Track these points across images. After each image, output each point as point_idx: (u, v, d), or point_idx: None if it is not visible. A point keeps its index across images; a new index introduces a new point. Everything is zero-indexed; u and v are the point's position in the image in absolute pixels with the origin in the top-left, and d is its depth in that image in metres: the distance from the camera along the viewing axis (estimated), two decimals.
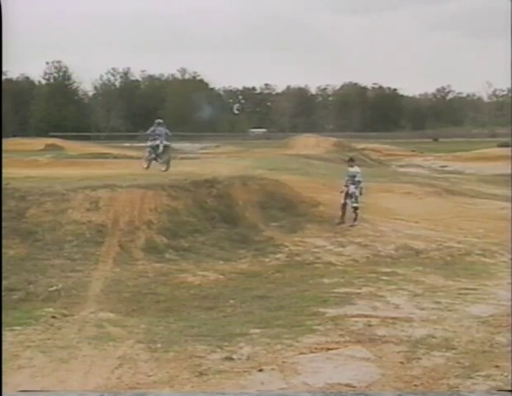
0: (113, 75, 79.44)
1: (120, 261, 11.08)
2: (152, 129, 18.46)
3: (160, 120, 18.85)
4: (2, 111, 4.28)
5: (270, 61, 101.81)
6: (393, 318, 8.05)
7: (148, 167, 18.17)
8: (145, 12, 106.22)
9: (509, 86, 63.87)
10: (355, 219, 13.91)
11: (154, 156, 18.08)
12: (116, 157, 30.55)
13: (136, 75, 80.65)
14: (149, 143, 18.17)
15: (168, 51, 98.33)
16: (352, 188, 14.01)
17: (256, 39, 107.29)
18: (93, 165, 21.73)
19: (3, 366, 4.00)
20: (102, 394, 4.96)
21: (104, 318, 8.37)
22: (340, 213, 13.95)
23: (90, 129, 65.85)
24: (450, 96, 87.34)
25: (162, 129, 18.26)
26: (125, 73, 79.81)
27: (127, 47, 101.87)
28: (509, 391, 4.90)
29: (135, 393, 5.28)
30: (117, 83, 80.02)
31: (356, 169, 14.46)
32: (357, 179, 14.17)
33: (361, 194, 14.17)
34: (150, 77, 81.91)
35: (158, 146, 17.91)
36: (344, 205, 13.98)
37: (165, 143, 18.01)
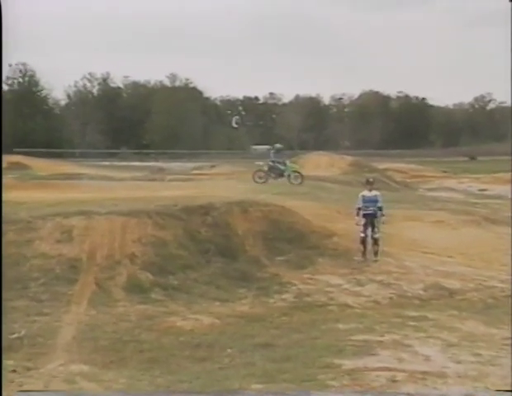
0: (90, 81, 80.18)
1: (97, 303, 11.04)
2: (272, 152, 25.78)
3: (279, 146, 26.46)
4: (2, 113, 4.36)
5: (275, 66, 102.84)
6: (423, 372, 7.98)
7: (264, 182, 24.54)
8: (131, 12, 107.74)
9: None
10: (376, 253, 13.90)
11: (272, 175, 25.16)
12: (92, 178, 30.64)
13: (117, 81, 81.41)
14: (270, 163, 25.35)
15: (155, 54, 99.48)
16: (370, 216, 14.03)
17: (259, 40, 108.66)
18: (66, 187, 21.83)
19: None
20: (103, 395, 5.09)
21: (76, 372, 8.31)
22: (360, 247, 13.93)
23: (62, 145, 66.08)
24: (491, 105, 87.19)
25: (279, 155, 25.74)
26: (105, 79, 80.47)
27: (107, 49, 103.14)
28: (509, 391, 5.22)
29: (135, 394, 5.54)
30: (95, 91, 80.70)
31: (375, 193, 14.48)
32: (378, 205, 14.20)
33: (382, 223, 14.20)
34: (134, 83, 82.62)
35: (276, 168, 25.15)
36: (365, 238, 13.98)
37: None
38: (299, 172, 25.62)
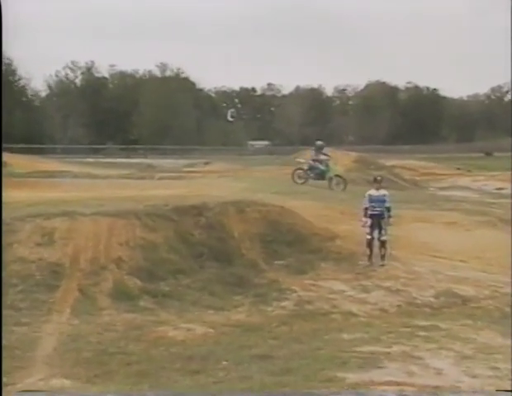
0: (73, 70, 79.97)
1: (81, 311, 11.03)
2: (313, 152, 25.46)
3: (320, 143, 26.04)
4: (2, 112, 4.40)
5: (274, 54, 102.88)
6: (435, 387, 7.98)
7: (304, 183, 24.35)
8: None
9: None
10: (383, 257, 13.90)
11: (311, 175, 24.78)
12: (76, 176, 30.62)
13: (103, 70, 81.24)
14: (310, 162, 24.96)
15: (144, 42, 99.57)
16: (377, 217, 14.04)
17: (256, 26, 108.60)
18: (47, 186, 21.78)
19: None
20: (103, 395, 4.88)
21: (57, 386, 8.30)
22: (366, 251, 13.94)
23: (43, 140, 65.90)
24: (509, 97, 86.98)
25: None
26: (89, 68, 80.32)
27: (92, 36, 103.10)
28: (509, 391, 5.46)
29: (135, 393, 5.73)
30: (78, 81, 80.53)
31: (383, 192, 14.48)
32: (386, 205, 14.20)
33: (390, 224, 14.20)
34: (121, 73, 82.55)
35: (317, 168, 24.71)
36: (371, 241, 13.99)
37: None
38: (342, 177, 24.69)
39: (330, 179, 24.36)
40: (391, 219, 14.28)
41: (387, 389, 7.85)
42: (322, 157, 25.06)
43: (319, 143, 25.91)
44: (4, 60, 74.16)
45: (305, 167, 24.95)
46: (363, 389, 5.29)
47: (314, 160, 24.90)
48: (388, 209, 14.22)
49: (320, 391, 5.32)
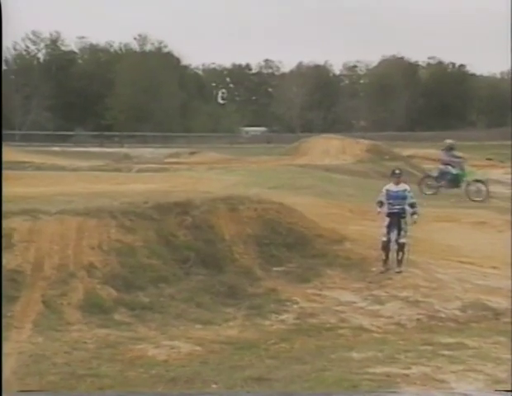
0: (34, 43, 79.78)
1: (45, 327, 11.01)
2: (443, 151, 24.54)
3: (451, 142, 24.60)
4: (1, 111, 4.48)
5: (272, 25, 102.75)
6: None
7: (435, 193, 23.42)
8: None
9: None
10: (400, 263, 13.92)
11: (442, 183, 23.72)
12: (39, 167, 30.60)
13: (71, 43, 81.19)
14: (441, 167, 24.06)
15: (119, 8, 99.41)
16: (396, 216, 14.06)
17: None
18: (4, 180, 21.70)
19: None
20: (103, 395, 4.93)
21: None
22: (382, 255, 13.97)
23: None
24: None
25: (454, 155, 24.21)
26: (54, 41, 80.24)
27: (58, 1, 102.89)
28: (509, 391, 5.69)
29: (135, 393, 6.07)
30: (41, 55, 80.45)
31: (403, 187, 14.45)
32: (409, 201, 14.17)
33: (414, 222, 14.15)
34: (92, 47, 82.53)
35: (448, 173, 23.63)
36: (387, 243, 13.99)
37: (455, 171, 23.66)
38: (483, 182, 23.64)
39: (468, 185, 23.33)
40: (416, 216, 14.22)
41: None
42: (454, 159, 24.00)
43: (448, 141, 24.77)
44: None
45: (435, 174, 24.18)
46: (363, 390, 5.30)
47: (444, 163, 23.92)
48: (412, 205, 14.20)
49: (320, 393, 5.34)
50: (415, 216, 14.19)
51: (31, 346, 10.41)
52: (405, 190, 14.40)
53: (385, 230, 14.08)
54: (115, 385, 9.29)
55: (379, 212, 14.28)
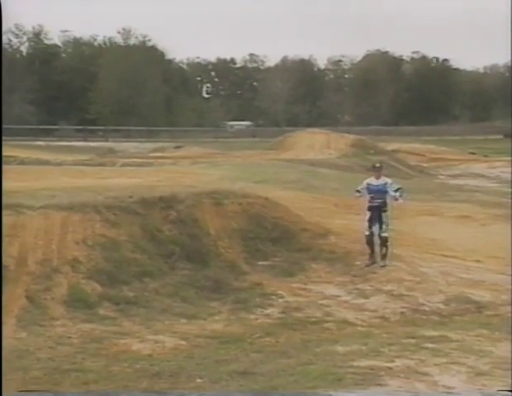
0: (17, 36, 79.40)
1: (29, 322, 10.97)
2: None
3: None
4: (1, 110, 4.45)
5: (257, 19, 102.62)
6: None
7: None
8: None
9: None
10: (384, 257, 13.97)
11: None
12: (22, 162, 30.47)
13: (54, 37, 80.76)
14: None
15: (103, 2, 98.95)
16: (377, 209, 14.10)
17: None
18: None
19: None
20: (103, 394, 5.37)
21: None
22: (366, 249, 13.99)
23: None
24: None
25: None
26: (37, 34, 79.84)
27: None
28: (509, 391, 6.01)
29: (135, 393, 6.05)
30: (24, 49, 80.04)
31: (384, 181, 14.47)
32: (393, 189, 14.19)
33: (399, 196, 14.14)
34: (76, 41, 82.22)
35: None
36: (371, 237, 14.03)
37: None
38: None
39: None
40: (401, 200, 14.25)
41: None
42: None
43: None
44: None
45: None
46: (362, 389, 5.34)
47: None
48: (397, 190, 14.21)
49: (319, 392, 5.37)
50: (400, 192, 14.22)
51: (15, 342, 10.36)
52: (386, 183, 14.42)
53: (367, 224, 14.13)
54: (99, 380, 9.27)
55: (358, 197, 14.37)
